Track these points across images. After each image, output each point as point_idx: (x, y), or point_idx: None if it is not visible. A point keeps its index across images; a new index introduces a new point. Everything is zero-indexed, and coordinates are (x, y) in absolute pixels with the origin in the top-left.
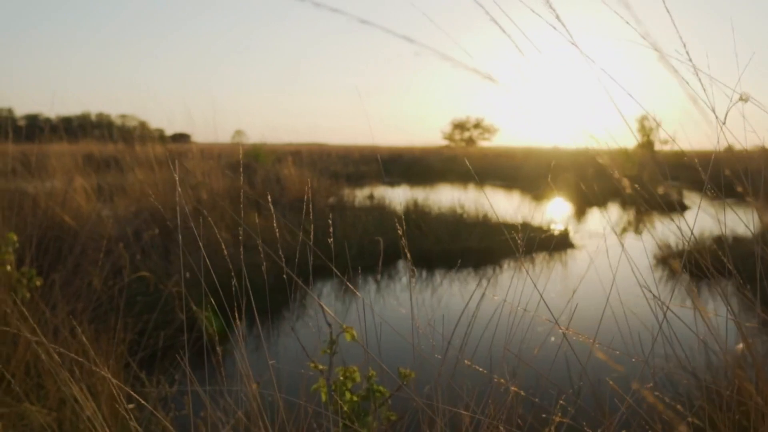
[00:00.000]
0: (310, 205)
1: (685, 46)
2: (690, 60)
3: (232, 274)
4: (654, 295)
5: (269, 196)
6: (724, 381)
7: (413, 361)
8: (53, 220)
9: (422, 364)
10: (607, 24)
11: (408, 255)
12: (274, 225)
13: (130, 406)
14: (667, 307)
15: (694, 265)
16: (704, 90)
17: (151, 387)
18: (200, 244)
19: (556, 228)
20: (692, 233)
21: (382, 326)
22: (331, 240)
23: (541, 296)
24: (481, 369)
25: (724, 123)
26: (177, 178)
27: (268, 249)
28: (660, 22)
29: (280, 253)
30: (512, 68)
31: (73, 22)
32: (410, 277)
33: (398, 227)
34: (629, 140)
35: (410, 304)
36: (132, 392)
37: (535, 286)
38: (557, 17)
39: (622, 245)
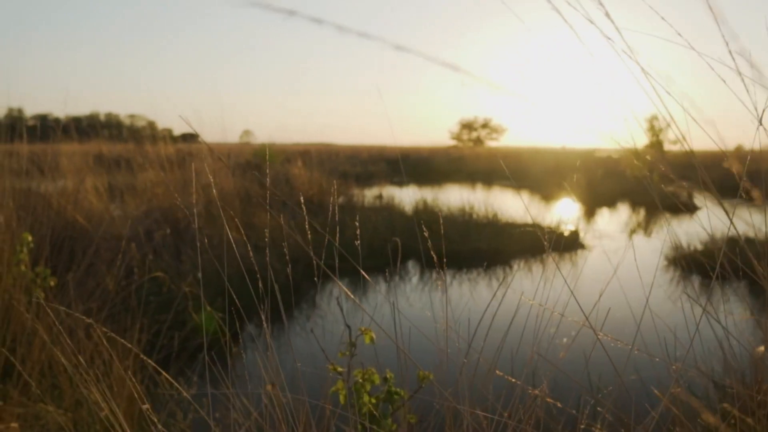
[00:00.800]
0: (335, 207)
1: (728, 45)
2: (733, 59)
3: (258, 275)
4: (695, 301)
5: (302, 198)
6: (741, 383)
7: (444, 362)
8: (66, 220)
9: (445, 365)
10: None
11: (444, 259)
12: (306, 226)
13: (145, 406)
14: (704, 310)
15: (722, 267)
16: (746, 90)
17: (170, 389)
18: (231, 242)
19: (570, 228)
20: (731, 229)
21: (401, 326)
22: (358, 243)
23: (574, 296)
24: (506, 376)
25: (760, 123)
26: (212, 176)
27: (289, 249)
28: (679, 19)
29: (312, 253)
30: (512, 68)
31: (75, 21)
32: (442, 280)
33: (424, 229)
34: (643, 139)
35: (444, 306)
36: (149, 393)
37: (567, 285)
38: (606, 14)
39: (682, 243)
